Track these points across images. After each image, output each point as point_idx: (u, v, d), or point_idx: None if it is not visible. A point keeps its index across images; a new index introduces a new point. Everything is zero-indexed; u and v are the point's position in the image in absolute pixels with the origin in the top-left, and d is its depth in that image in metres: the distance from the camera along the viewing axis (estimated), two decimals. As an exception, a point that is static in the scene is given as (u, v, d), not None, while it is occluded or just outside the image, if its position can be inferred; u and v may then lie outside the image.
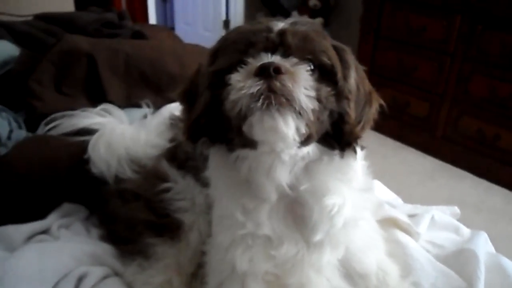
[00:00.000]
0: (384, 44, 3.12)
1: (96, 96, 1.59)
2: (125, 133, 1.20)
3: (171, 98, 1.39)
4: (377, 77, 3.15)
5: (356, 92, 0.77)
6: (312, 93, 0.68)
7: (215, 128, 0.76)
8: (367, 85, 0.82)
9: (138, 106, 1.52)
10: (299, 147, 0.72)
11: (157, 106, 1.51)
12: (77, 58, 1.58)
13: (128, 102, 1.59)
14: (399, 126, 3.11)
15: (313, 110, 0.68)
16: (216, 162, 0.84)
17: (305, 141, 0.71)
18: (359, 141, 0.79)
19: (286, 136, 0.67)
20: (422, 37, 2.87)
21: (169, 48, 1.74)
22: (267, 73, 0.66)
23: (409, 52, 2.98)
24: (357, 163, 0.84)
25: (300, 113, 0.67)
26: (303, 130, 0.68)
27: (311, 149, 0.75)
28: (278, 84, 0.65)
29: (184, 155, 1.05)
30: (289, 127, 0.67)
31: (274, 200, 0.79)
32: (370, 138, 0.83)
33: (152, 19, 4.31)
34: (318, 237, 0.80)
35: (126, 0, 3.97)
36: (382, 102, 0.84)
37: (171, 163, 1.07)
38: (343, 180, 0.81)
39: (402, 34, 2.99)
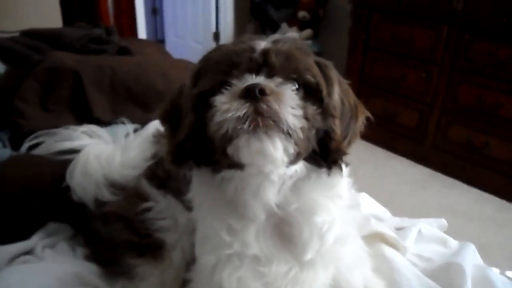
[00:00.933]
0: (373, 55, 3.15)
1: (82, 113, 1.58)
2: (101, 156, 1.18)
3: (154, 116, 1.38)
4: (366, 87, 3.17)
5: (340, 107, 0.77)
6: (299, 112, 0.68)
7: (200, 150, 0.75)
8: (352, 99, 0.82)
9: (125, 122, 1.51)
10: (287, 167, 0.71)
11: (144, 122, 1.50)
12: (63, 75, 1.57)
13: (114, 119, 1.58)
14: (389, 135, 3.12)
15: (301, 129, 0.68)
16: (200, 183, 0.83)
17: (293, 160, 0.70)
18: (344, 158, 0.78)
19: (275, 159, 0.67)
20: (410, 48, 2.90)
21: (155, 63, 1.74)
22: (253, 95, 0.65)
23: (398, 62, 3.00)
24: (343, 180, 0.84)
25: (288, 133, 0.66)
26: (292, 150, 0.68)
27: (299, 167, 0.75)
28: (264, 106, 0.65)
29: (166, 174, 1.04)
30: (277, 150, 0.66)
31: (262, 219, 0.78)
32: (360, 148, 0.83)
33: (142, 32, 4.31)
34: (309, 255, 0.79)
35: (114, 14, 3.97)
36: (368, 114, 0.84)
37: (151, 182, 1.06)
38: (331, 198, 0.80)
39: (390, 45, 3.01)
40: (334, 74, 0.79)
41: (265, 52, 0.72)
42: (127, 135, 1.32)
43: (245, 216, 0.77)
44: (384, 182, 2.75)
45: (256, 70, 0.71)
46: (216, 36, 4.49)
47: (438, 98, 2.81)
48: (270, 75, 0.71)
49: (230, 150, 0.67)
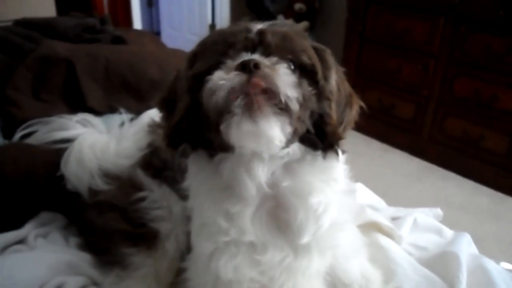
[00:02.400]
0: (369, 46, 3.14)
1: (75, 102, 1.56)
2: (95, 146, 1.17)
3: (152, 103, 1.37)
4: (362, 79, 3.16)
5: (337, 93, 0.76)
6: (293, 86, 0.67)
7: (195, 132, 0.74)
8: (347, 87, 0.81)
9: (119, 111, 1.50)
10: (283, 148, 0.70)
11: (138, 112, 1.49)
12: (56, 64, 1.56)
13: (109, 108, 1.57)
14: (385, 128, 3.12)
15: (297, 100, 0.67)
16: (196, 170, 0.82)
17: (291, 139, 0.69)
18: (341, 143, 0.78)
19: (271, 140, 0.66)
20: (407, 40, 2.89)
21: (150, 53, 1.73)
22: (248, 68, 0.64)
23: (394, 54, 2.99)
24: (340, 166, 0.83)
25: (283, 108, 0.65)
26: (288, 127, 0.67)
27: (292, 149, 0.74)
28: (258, 77, 0.64)
29: (161, 163, 1.03)
30: (273, 129, 0.65)
31: (256, 200, 0.77)
32: (356, 140, 0.83)
33: (137, 23, 4.28)
34: (305, 239, 0.78)
35: (109, 6, 3.94)
36: (362, 103, 0.83)
37: (146, 171, 1.05)
38: (326, 181, 0.79)
39: (386, 36, 3.01)
40: (331, 59, 0.78)
41: (261, 32, 0.71)
42: (121, 124, 1.31)
43: (240, 197, 0.76)
44: (380, 174, 2.75)
45: (252, 49, 0.70)
46: (212, 28, 4.47)
47: (434, 90, 2.81)
48: (265, 54, 0.70)
49: (222, 126, 0.66)
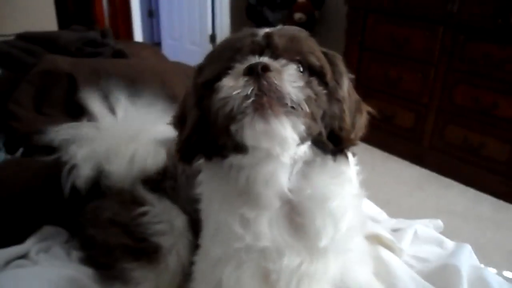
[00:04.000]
0: (369, 56, 3.15)
1: (77, 116, 1.57)
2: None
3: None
4: (363, 88, 3.16)
5: (348, 99, 0.77)
6: (302, 84, 0.67)
7: (207, 142, 0.74)
8: (355, 94, 0.82)
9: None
10: (298, 146, 0.70)
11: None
12: (57, 78, 1.57)
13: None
14: (386, 136, 3.12)
15: (306, 100, 0.66)
16: (210, 176, 0.81)
17: (305, 138, 0.69)
18: (351, 148, 0.78)
19: (284, 139, 0.65)
20: (406, 49, 2.90)
21: (150, 66, 1.74)
22: (256, 72, 0.64)
23: (394, 63, 3.00)
24: (352, 168, 0.83)
25: (294, 108, 0.65)
26: (301, 125, 0.66)
27: (306, 149, 0.73)
28: (266, 81, 0.64)
29: (159, 174, 1.04)
30: (286, 128, 0.64)
31: (276, 207, 0.76)
32: (357, 149, 0.83)
33: (138, 34, 4.31)
34: (323, 243, 0.77)
35: (110, 17, 3.97)
36: (371, 109, 0.83)
37: (146, 186, 1.05)
38: (341, 184, 0.79)
39: (386, 46, 3.02)
40: (342, 64, 0.79)
41: (268, 35, 0.71)
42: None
43: (258, 205, 0.75)
44: (381, 183, 2.75)
45: (259, 52, 0.70)
46: (213, 38, 4.50)
47: (435, 98, 2.81)
48: (273, 56, 0.70)
49: (233, 127, 0.65)
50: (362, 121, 0.80)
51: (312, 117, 0.68)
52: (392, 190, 2.68)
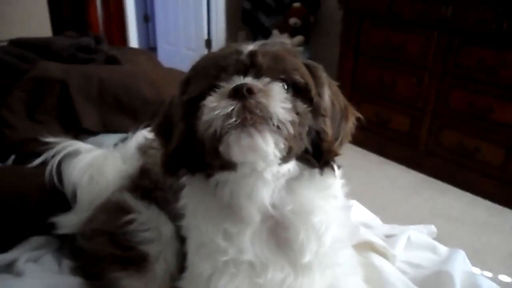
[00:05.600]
0: (364, 60, 3.15)
1: (70, 123, 1.57)
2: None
3: (146, 123, 1.36)
4: (358, 93, 3.17)
5: (331, 108, 0.77)
6: (288, 106, 0.67)
7: (193, 157, 0.74)
8: (341, 100, 0.81)
9: (115, 131, 1.50)
10: (280, 164, 0.70)
11: (133, 131, 1.49)
12: (50, 85, 1.56)
13: (103, 128, 1.57)
14: (381, 141, 3.12)
15: (291, 122, 0.67)
16: (194, 190, 0.81)
17: (286, 157, 0.69)
18: (336, 159, 0.78)
19: (266, 154, 0.66)
20: (401, 53, 2.90)
21: (144, 72, 1.74)
22: (241, 94, 0.65)
23: (389, 68, 3.01)
24: (337, 182, 0.83)
25: (278, 127, 0.65)
26: (282, 145, 0.66)
27: (292, 166, 0.74)
28: (252, 102, 0.64)
29: (152, 184, 1.03)
30: (268, 144, 0.65)
31: (257, 221, 0.76)
32: (353, 153, 0.83)
33: (133, 39, 4.30)
34: (306, 258, 0.78)
35: (104, 22, 3.96)
36: (358, 115, 0.83)
37: (133, 193, 1.05)
38: (326, 198, 0.79)
39: (381, 50, 3.02)
40: (323, 75, 0.78)
41: (252, 54, 0.72)
42: (115, 145, 1.31)
43: (241, 219, 0.76)
44: (377, 187, 2.75)
45: (244, 71, 0.70)
46: (208, 43, 4.49)
47: (430, 103, 2.82)
48: (258, 75, 0.70)
49: (221, 148, 0.66)
50: (347, 128, 0.80)
51: (297, 137, 0.69)
52: (388, 195, 2.68)
